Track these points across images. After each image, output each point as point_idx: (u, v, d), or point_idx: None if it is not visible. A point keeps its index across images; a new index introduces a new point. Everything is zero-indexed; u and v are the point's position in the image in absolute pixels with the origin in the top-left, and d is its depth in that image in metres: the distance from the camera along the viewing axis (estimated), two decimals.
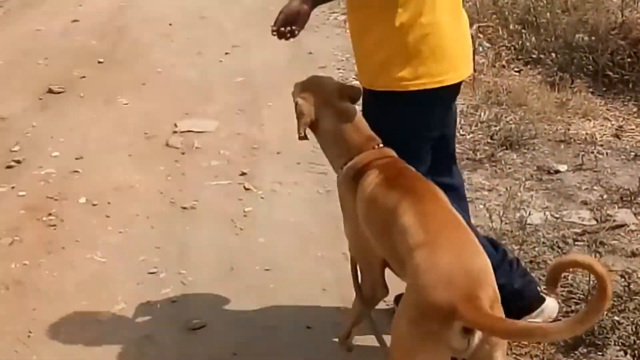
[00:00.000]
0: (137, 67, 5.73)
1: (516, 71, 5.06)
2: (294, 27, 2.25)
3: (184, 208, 3.67)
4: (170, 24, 6.79)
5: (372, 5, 2.29)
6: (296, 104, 2.32)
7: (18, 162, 4.15)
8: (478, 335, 1.63)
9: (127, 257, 3.27)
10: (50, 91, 5.22)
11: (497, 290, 1.73)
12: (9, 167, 4.11)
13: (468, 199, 3.47)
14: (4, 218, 3.59)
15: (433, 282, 1.67)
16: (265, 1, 7.43)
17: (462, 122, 4.28)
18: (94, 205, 3.70)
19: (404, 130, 2.33)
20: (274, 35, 2.28)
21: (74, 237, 3.42)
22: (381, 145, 2.26)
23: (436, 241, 1.78)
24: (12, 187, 3.88)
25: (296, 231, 3.43)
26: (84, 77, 5.55)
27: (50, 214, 3.61)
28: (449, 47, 2.31)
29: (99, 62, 5.88)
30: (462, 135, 4.15)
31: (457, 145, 3.97)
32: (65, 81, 5.44)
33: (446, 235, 1.82)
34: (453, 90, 2.42)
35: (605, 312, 2.14)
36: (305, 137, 2.30)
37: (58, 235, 3.45)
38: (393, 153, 2.25)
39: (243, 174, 3.97)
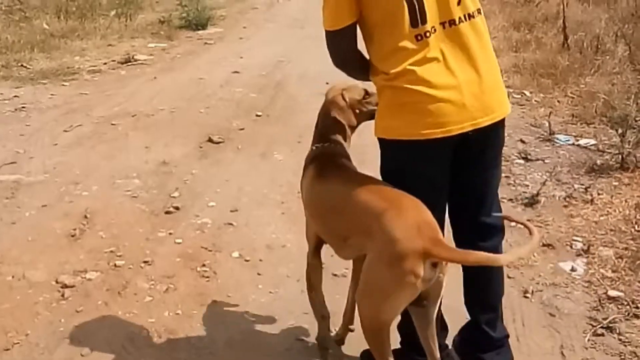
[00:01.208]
0: (293, 124, 5.82)
1: None
2: None
3: (335, 275, 3.59)
4: (327, 83, 6.87)
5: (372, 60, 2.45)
6: None
7: (177, 208, 4.26)
8: (440, 266, 2.23)
9: (276, 319, 3.21)
10: (210, 140, 5.38)
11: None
12: (168, 212, 4.22)
13: None
14: (161, 264, 3.66)
15: (407, 235, 2.20)
16: None
17: (638, 216, 3.95)
18: (247, 260, 3.71)
19: (397, 173, 2.48)
20: None
21: (226, 292, 3.42)
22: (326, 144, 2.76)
23: (397, 205, 2.30)
24: (170, 234, 3.97)
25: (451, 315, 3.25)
26: (242, 129, 5.71)
27: (204, 265, 3.65)
28: (436, 103, 2.32)
29: (257, 115, 6.04)
30: (638, 231, 3.80)
31: (631, 242, 3.75)
32: (225, 131, 5.61)
33: (401, 199, 2.33)
34: (449, 141, 2.37)
35: None
36: None
37: (211, 287, 3.46)
38: (334, 150, 2.75)
39: None
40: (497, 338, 2.67)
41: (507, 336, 2.73)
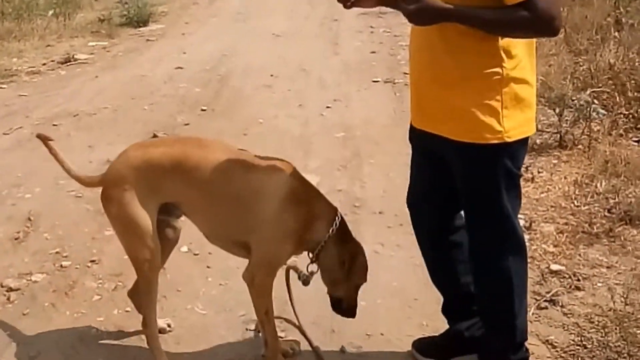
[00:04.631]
0: (239, 117, 5.81)
1: (635, 141, 4.80)
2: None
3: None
4: (271, 75, 6.88)
5: (470, 52, 2.24)
6: None
7: None
8: None
9: (227, 311, 3.22)
10: (155, 136, 5.31)
11: None
12: None
13: (584, 275, 3.33)
14: (109, 262, 3.62)
15: None
16: (365, 56, 7.50)
17: (577, 192, 4.09)
18: (195, 255, 3.69)
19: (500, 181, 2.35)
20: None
21: (175, 286, 3.41)
22: None
23: None
24: None
25: (399, 296, 3.31)
26: (187, 124, 5.67)
27: None
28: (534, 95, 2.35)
29: (202, 110, 6.01)
30: (577, 206, 3.95)
31: (571, 217, 3.86)
32: (170, 127, 5.56)
33: None
34: None
35: None
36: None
37: (160, 282, 3.39)
38: None
39: None
40: None
41: None
